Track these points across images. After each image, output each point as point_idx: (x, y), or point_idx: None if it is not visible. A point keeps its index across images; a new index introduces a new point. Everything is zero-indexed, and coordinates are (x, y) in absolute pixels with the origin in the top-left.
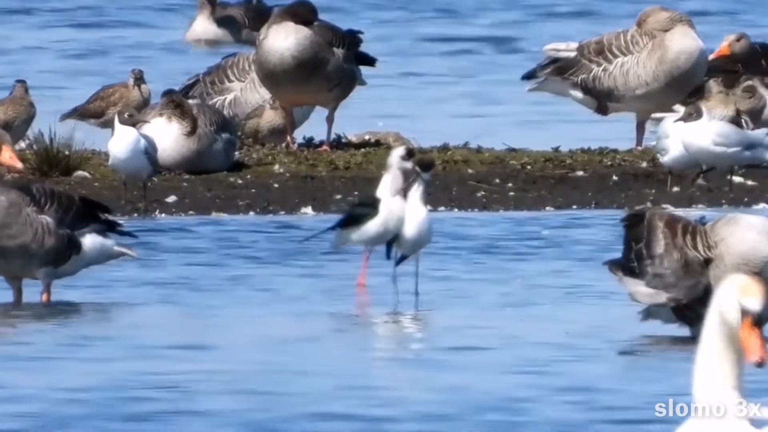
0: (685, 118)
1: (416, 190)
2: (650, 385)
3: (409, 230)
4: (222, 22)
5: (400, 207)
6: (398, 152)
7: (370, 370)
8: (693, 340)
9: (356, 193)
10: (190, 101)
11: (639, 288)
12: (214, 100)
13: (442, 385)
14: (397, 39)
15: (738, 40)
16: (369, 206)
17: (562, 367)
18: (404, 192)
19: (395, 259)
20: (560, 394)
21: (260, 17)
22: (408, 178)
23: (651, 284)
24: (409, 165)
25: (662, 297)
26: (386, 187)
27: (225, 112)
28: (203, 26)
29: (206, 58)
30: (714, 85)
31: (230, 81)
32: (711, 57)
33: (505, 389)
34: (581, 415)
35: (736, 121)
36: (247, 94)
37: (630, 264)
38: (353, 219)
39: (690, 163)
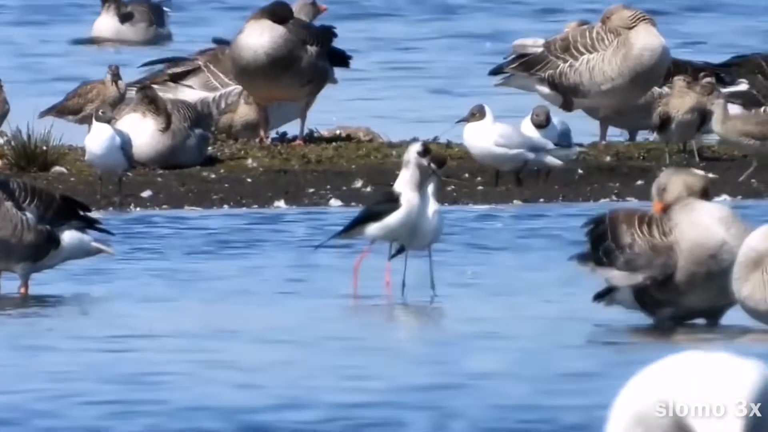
0: (468, 118)
1: (430, 186)
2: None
3: (424, 225)
4: (126, 19)
5: (419, 202)
6: (415, 148)
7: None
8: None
9: (328, 186)
10: (186, 93)
11: (614, 273)
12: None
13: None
14: (370, 32)
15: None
16: (390, 201)
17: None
18: (420, 188)
19: (389, 253)
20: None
21: (161, 14)
22: (424, 175)
23: (624, 269)
24: (425, 161)
25: (638, 277)
26: (405, 182)
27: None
28: (107, 24)
29: (110, 57)
30: (678, 81)
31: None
32: None
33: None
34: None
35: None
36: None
37: (600, 259)
38: (375, 214)
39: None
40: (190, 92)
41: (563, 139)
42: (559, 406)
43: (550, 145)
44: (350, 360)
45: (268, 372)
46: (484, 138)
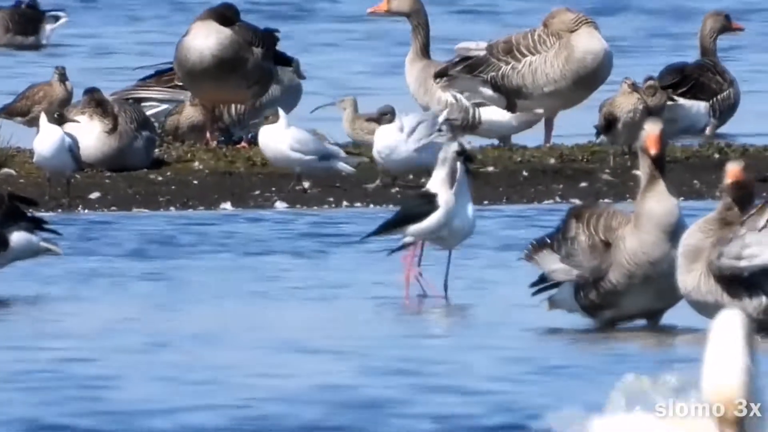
0: (264, 120)
1: (464, 185)
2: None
3: (461, 224)
4: None
5: (454, 201)
6: (453, 147)
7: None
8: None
9: (273, 188)
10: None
11: (556, 265)
12: None
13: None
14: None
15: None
16: (428, 202)
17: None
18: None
19: (396, 247)
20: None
21: (29, 22)
22: (455, 173)
23: (564, 261)
24: (461, 161)
25: (573, 273)
26: (441, 182)
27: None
28: None
29: None
30: (624, 83)
31: None
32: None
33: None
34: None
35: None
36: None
37: (552, 246)
38: (413, 215)
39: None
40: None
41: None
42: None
43: (342, 153)
44: (276, 358)
45: (209, 373)
46: (279, 142)
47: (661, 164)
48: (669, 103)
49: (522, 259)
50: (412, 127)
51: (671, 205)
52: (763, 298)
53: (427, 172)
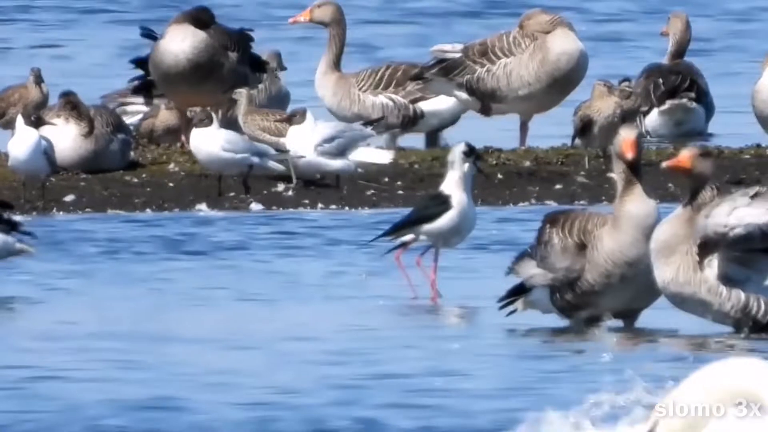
0: (197, 123)
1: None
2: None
3: (467, 224)
4: None
5: (467, 201)
6: (460, 149)
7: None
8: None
9: (249, 190)
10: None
11: (534, 271)
12: None
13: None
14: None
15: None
16: (441, 203)
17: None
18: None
19: (393, 247)
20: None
21: None
22: (466, 174)
23: (540, 266)
24: (470, 161)
25: (549, 277)
26: (453, 183)
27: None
28: None
29: None
30: (598, 86)
31: None
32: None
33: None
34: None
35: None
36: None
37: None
38: (426, 216)
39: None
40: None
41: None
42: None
43: (272, 151)
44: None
45: (179, 370)
46: (210, 143)
47: (637, 169)
48: (681, 103)
49: (507, 273)
50: (329, 135)
51: (649, 207)
52: (741, 295)
53: (336, 177)
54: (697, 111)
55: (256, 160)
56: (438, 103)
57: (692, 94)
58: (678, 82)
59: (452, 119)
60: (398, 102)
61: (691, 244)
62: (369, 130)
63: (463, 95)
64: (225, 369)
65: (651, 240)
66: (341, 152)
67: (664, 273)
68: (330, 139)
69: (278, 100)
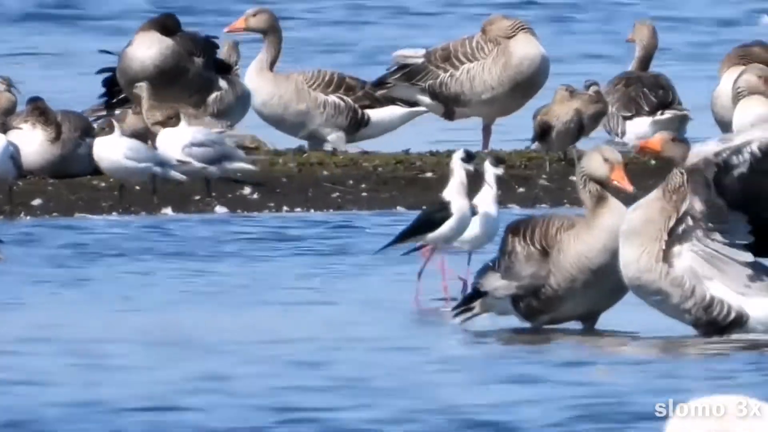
0: (100, 132)
1: (488, 189)
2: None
3: (478, 227)
4: None
5: (468, 206)
6: (458, 155)
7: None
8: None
9: (213, 194)
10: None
11: (498, 282)
12: None
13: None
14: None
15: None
16: (441, 210)
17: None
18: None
19: (407, 250)
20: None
21: None
22: (466, 179)
23: (504, 277)
24: (470, 167)
25: (513, 287)
26: (453, 190)
27: None
28: None
29: None
30: (560, 90)
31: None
32: None
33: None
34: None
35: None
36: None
37: (494, 267)
38: (428, 223)
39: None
40: None
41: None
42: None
43: (174, 161)
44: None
45: (150, 372)
46: (113, 151)
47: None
48: (682, 114)
49: (474, 288)
50: (198, 140)
51: (623, 216)
52: (707, 294)
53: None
54: (690, 122)
55: (158, 169)
56: (385, 113)
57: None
58: (670, 94)
59: (393, 129)
60: (348, 104)
61: (662, 231)
62: (241, 152)
63: (427, 99)
64: (197, 372)
65: (623, 224)
66: (210, 161)
67: (627, 254)
68: (198, 144)
69: (242, 101)
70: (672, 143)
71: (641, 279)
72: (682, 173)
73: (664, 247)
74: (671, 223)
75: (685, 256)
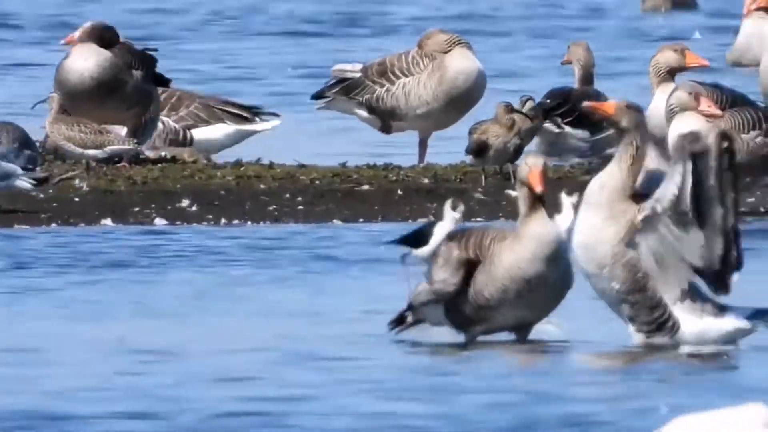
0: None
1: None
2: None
3: None
4: None
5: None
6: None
7: None
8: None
9: (153, 205)
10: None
11: (421, 287)
12: None
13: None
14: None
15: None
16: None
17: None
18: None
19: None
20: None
21: None
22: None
23: (428, 281)
24: (458, 215)
25: (426, 292)
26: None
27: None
28: None
29: None
30: (499, 107)
31: None
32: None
33: None
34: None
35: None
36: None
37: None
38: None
39: None
40: None
41: None
42: None
43: (20, 171)
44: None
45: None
46: None
47: (541, 198)
48: (555, 129)
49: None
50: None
51: (552, 230)
52: (657, 294)
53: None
54: (575, 136)
55: (1, 183)
56: (209, 132)
57: None
58: (567, 107)
59: (223, 147)
60: (168, 125)
61: (626, 212)
62: (22, 174)
63: (364, 113)
64: (140, 385)
65: (585, 194)
66: None
67: (588, 219)
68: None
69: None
70: (626, 109)
71: (596, 250)
72: (634, 142)
73: (626, 228)
74: (635, 208)
75: (644, 247)
